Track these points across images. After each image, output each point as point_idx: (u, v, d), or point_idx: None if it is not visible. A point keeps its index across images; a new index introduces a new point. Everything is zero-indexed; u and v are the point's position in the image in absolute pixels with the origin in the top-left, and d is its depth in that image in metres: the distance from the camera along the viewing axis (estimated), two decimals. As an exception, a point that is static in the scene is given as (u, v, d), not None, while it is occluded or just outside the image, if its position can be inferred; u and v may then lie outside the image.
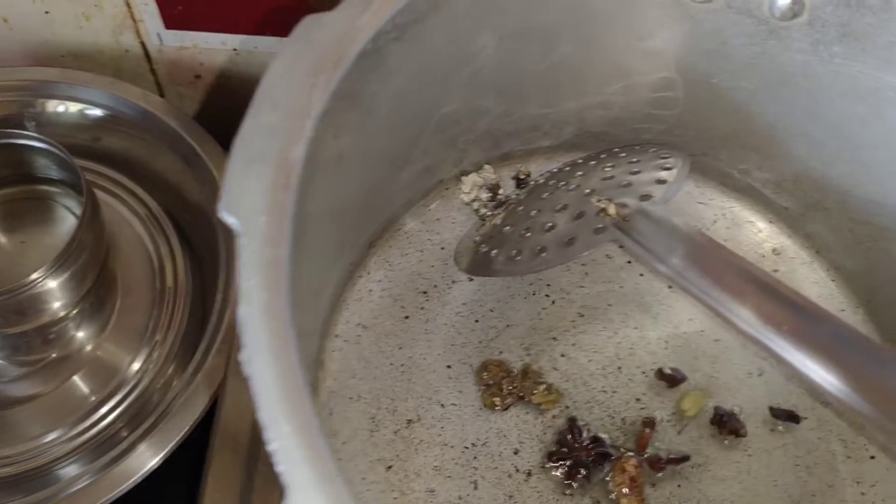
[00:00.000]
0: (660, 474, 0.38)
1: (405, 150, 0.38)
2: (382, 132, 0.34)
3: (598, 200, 0.36)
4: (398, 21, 0.28)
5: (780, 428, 0.40)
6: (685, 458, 0.38)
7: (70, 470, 0.43)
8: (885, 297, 0.41)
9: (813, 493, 0.39)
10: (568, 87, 0.40)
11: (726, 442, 0.39)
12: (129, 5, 0.54)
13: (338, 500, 0.20)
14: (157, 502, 0.42)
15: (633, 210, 0.35)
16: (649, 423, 0.39)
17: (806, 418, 0.40)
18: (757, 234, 0.45)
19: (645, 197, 0.36)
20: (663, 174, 0.37)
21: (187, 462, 0.40)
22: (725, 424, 0.39)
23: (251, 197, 0.23)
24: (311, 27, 0.26)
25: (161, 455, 0.39)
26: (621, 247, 0.44)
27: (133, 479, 0.38)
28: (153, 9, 0.53)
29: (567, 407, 0.40)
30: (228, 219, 0.23)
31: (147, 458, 0.39)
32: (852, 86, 0.36)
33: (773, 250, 0.45)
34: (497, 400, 0.40)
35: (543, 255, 0.36)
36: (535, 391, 0.39)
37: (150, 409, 0.45)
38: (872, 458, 0.40)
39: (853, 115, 0.37)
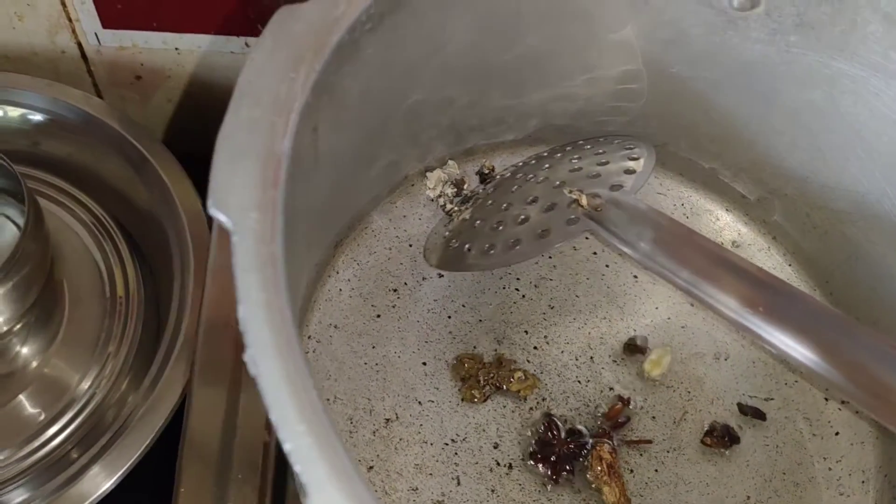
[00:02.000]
0: (624, 447, 0.38)
1: (373, 146, 0.38)
2: (352, 128, 0.33)
3: (570, 191, 0.36)
4: (373, 11, 0.28)
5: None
6: (648, 441, 0.39)
7: (17, 494, 0.40)
8: (842, 277, 0.43)
9: (783, 472, 0.40)
10: (533, 78, 0.40)
11: (718, 450, 0.40)
12: (64, 4, 0.52)
13: (356, 496, 0.19)
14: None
15: (605, 200, 0.35)
16: (624, 399, 0.39)
17: (772, 399, 0.42)
18: (715, 223, 0.46)
19: (615, 187, 0.36)
20: (631, 164, 0.37)
21: (147, 481, 0.39)
22: (716, 436, 0.40)
23: (240, 193, 0.22)
24: (287, 19, 0.25)
25: (116, 476, 0.38)
26: (588, 238, 0.44)
27: None
28: (90, 7, 0.51)
29: (544, 399, 0.40)
30: (219, 216, 0.22)
31: (101, 481, 0.37)
32: (808, 74, 0.37)
33: (733, 242, 0.46)
34: (476, 392, 0.39)
35: (518, 247, 0.36)
36: (511, 379, 0.39)
37: (104, 427, 0.43)
38: (837, 434, 0.41)
39: (809, 102, 0.38)
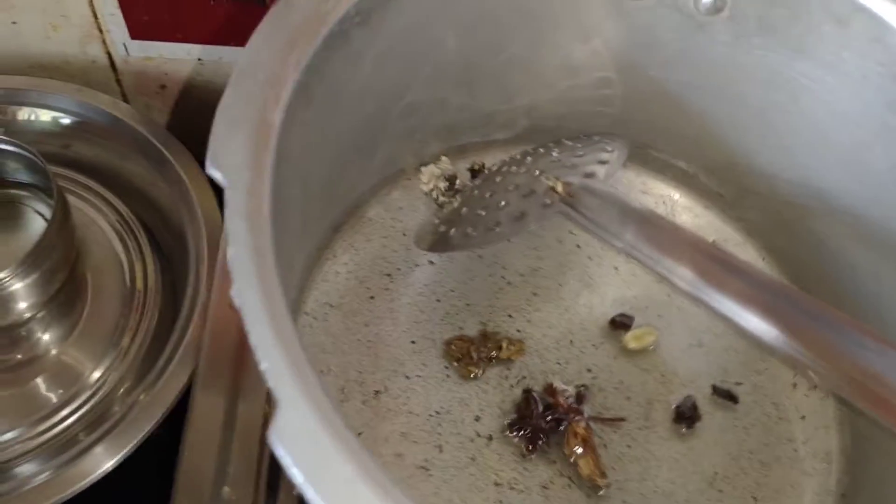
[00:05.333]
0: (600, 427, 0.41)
1: (370, 138, 0.41)
2: (348, 116, 0.37)
3: (547, 178, 0.40)
4: (361, 7, 0.31)
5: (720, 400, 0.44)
6: (621, 419, 0.42)
7: (27, 468, 0.43)
8: (810, 271, 0.45)
9: (750, 451, 0.42)
10: (519, 83, 0.44)
11: (683, 431, 0.42)
12: (95, 16, 0.55)
13: (321, 410, 0.22)
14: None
15: (578, 186, 0.38)
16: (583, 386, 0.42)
17: (742, 383, 0.44)
18: (695, 220, 0.49)
19: (589, 175, 0.39)
20: (605, 156, 0.40)
21: (146, 467, 0.41)
22: (686, 418, 0.42)
23: (235, 154, 0.25)
24: (283, 10, 0.29)
25: (117, 458, 0.40)
26: (572, 233, 0.47)
27: (88, 480, 0.39)
28: (119, 20, 0.55)
29: (524, 378, 0.43)
30: (215, 174, 0.25)
31: (103, 461, 0.40)
32: (771, 75, 0.40)
33: (713, 240, 0.48)
34: (472, 368, 0.42)
35: (497, 229, 0.39)
36: (500, 347, 0.43)
37: (111, 413, 0.45)
38: (803, 418, 0.44)
39: (774, 102, 0.41)
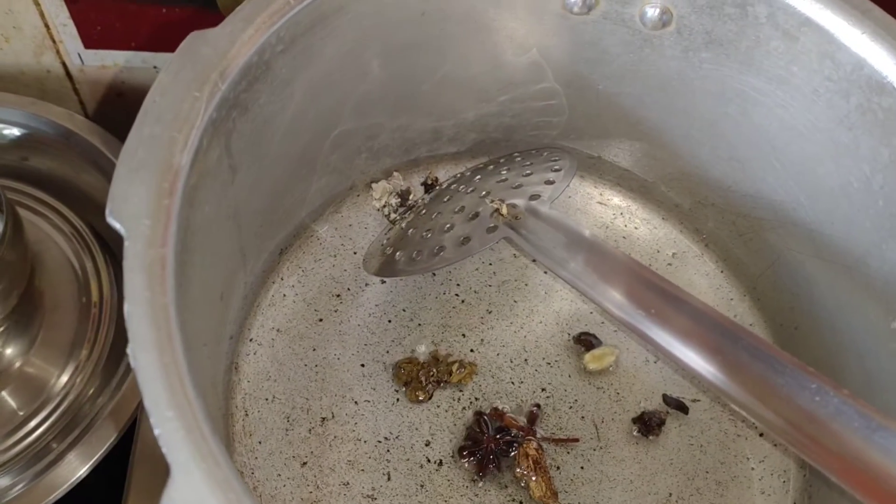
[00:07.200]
0: (554, 448, 0.40)
1: (308, 161, 0.40)
2: (282, 144, 0.36)
3: (492, 201, 0.39)
4: (283, 34, 0.30)
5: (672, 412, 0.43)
6: (574, 440, 0.41)
7: (2, 481, 0.43)
8: (766, 283, 0.44)
9: (707, 470, 0.42)
10: (456, 101, 0.43)
11: (636, 433, 0.42)
12: (48, 26, 0.55)
13: (217, 477, 0.21)
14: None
15: (522, 209, 0.37)
16: (536, 405, 0.42)
17: (699, 400, 0.43)
18: (652, 231, 0.48)
19: (534, 196, 0.38)
20: (551, 175, 0.39)
21: (116, 471, 0.41)
22: (646, 424, 0.42)
23: (135, 203, 0.24)
24: (195, 43, 0.28)
25: (89, 464, 0.40)
26: (513, 245, 0.46)
27: (63, 488, 0.40)
28: (72, 30, 0.54)
29: (477, 399, 0.42)
30: (114, 224, 0.24)
31: (76, 468, 0.40)
32: (721, 88, 0.39)
33: (673, 254, 0.47)
34: (420, 393, 0.41)
35: (442, 253, 0.38)
36: (450, 372, 0.42)
37: (79, 421, 0.46)
38: (761, 435, 0.43)
39: (725, 115, 0.40)
